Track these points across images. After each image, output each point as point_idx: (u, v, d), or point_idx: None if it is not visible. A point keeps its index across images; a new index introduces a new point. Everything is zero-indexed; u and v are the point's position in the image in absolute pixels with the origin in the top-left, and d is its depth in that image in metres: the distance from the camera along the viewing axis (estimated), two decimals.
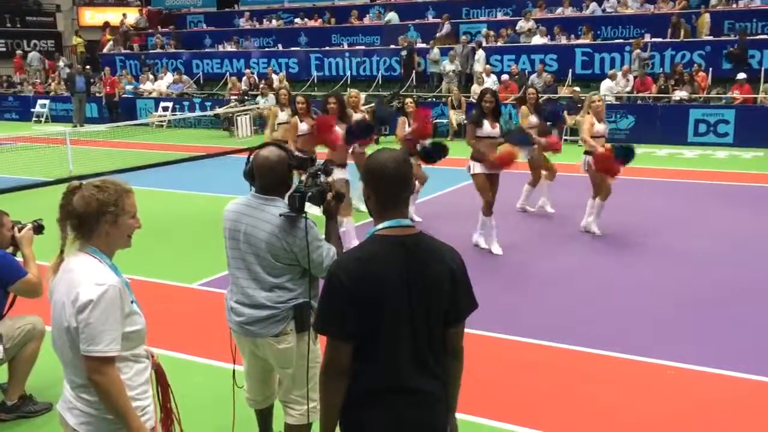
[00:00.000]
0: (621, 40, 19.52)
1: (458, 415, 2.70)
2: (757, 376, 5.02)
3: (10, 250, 4.36)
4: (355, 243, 6.90)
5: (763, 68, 17.32)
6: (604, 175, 8.37)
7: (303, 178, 3.36)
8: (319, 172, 3.37)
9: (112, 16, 30.31)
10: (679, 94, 17.16)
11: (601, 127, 8.55)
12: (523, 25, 20.74)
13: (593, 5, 21.04)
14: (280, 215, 3.30)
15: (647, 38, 18.75)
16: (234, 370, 3.80)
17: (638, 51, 18.04)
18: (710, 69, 17.80)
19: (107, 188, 2.62)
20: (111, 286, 2.52)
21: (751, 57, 17.56)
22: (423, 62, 21.04)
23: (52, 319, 2.66)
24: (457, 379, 2.63)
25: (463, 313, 2.53)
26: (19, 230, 4.33)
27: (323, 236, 3.42)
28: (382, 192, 2.48)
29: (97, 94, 23.75)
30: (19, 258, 4.37)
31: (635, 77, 17.86)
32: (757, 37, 18.11)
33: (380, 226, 2.48)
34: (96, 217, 2.59)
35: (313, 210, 3.31)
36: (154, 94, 23.60)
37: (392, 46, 22.02)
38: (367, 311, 2.38)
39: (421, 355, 2.45)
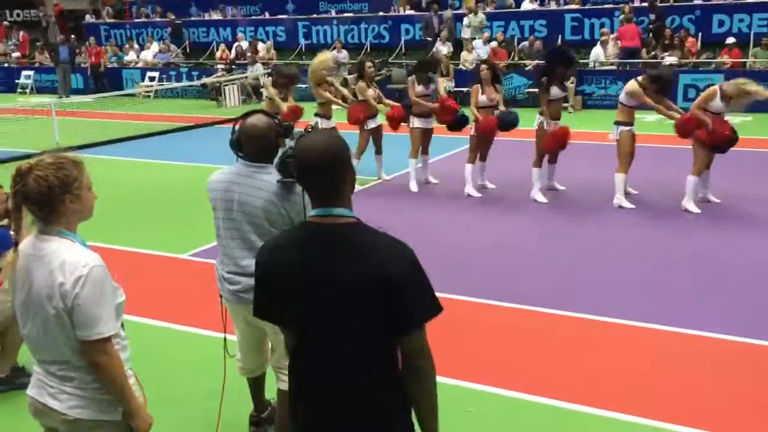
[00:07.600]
0: (611, 5, 19.37)
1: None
2: (733, 337, 5.10)
3: (5, 222, 4.33)
4: None
5: (752, 32, 17.26)
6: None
7: (291, 143, 3.36)
8: (302, 138, 3.37)
9: None
10: (669, 59, 17.10)
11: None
12: None
13: None
14: (278, 182, 3.33)
15: (636, 2, 18.59)
16: (225, 338, 3.82)
17: (623, 17, 17.92)
18: (700, 33, 17.72)
19: (64, 165, 2.48)
20: (95, 266, 2.46)
21: (741, 21, 17.49)
22: (411, 29, 20.83)
23: (22, 308, 2.54)
24: (422, 402, 2.22)
25: (412, 320, 2.14)
26: None
27: None
28: (304, 180, 2.25)
29: (83, 65, 23.45)
30: None
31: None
32: (746, 0, 18.02)
33: (311, 212, 2.25)
34: (59, 196, 2.46)
35: None
36: (140, 64, 23.32)
37: (381, 14, 21.77)
38: (278, 302, 2.26)
39: (341, 360, 2.18)
